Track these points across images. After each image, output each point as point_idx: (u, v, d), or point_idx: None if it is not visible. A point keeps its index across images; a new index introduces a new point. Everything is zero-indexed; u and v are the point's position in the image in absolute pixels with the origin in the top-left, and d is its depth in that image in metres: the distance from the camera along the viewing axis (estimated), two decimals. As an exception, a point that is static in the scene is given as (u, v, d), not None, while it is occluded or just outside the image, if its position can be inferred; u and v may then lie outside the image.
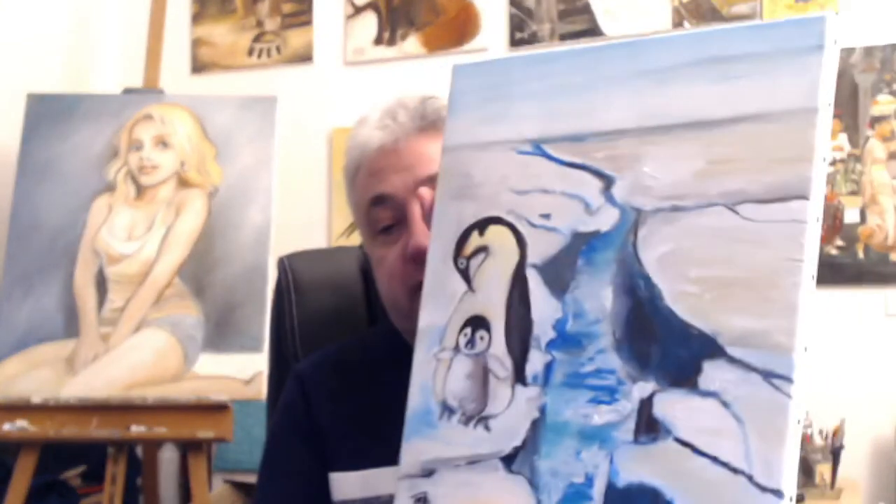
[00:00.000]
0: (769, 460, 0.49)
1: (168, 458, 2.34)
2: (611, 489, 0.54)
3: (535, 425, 0.58)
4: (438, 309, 0.65)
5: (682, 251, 0.54)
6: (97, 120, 1.96)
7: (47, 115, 1.96)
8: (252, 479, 2.22)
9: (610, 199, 0.58)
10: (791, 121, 0.53)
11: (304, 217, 2.46)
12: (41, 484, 1.94)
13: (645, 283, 0.55)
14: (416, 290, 0.80)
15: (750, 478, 0.49)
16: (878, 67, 2.10)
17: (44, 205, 1.89)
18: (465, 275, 0.64)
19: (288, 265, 1.05)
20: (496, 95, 0.66)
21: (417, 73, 2.42)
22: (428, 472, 0.62)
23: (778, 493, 0.48)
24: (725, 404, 0.51)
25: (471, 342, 0.62)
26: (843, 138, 2.13)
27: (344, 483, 0.84)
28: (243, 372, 1.76)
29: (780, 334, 0.50)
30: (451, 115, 0.68)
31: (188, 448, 1.77)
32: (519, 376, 0.59)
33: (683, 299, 0.54)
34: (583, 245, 0.59)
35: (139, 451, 2.14)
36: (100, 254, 1.87)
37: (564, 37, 2.29)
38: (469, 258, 0.64)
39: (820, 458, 1.94)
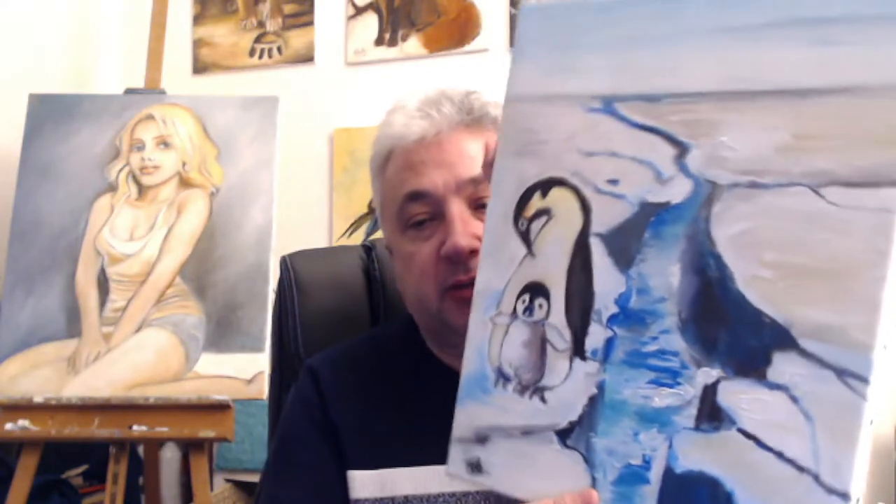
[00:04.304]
0: (838, 461, 0.46)
1: (169, 457, 2.34)
2: (669, 474, 0.52)
3: (593, 401, 0.56)
4: (496, 271, 0.62)
5: (758, 232, 0.50)
6: (99, 120, 1.97)
7: (49, 115, 1.96)
8: (253, 478, 2.23)
9: (683, 169, 0.54)
10: (891, 97, 0.47)
11: (306, 217, 2.46)
12: (43, 483, 1.94)
13: (716, 263, 0.52)
14: (448, 290, 0.79)
15: (816, 477, 0.47)
16: (878, 68, 2.10)
17: (45, 205, 1.90)
18: (526, 237, 0.61)
19: (290, 264, 1.05)
20: (564, 43, 0.61)
21: (418, 74, 2.42)
22: (481, 439, 0.61)
23: (844, 496, 0.46)
24: (795, 399, 0.48)
25: (529, 309, 0.60)
26: (843, 139, 2.13)
27: (360, 482, 0.81)
28: (245, 372, 1.76)
29: (858, 331, 0.47)
30: (516, 62, 0.64)
31: (190, 447, 1.77)
32: (578, 350, 0.57)
33: (756, 284, 0.50)
34: (651, 216, 0.55)
35: (141, 450, 2.14)
36: (101, 254, 1.88)
37: (565, 37, 2.29)
38: (530, 220, 0.61)
39: (820, 457, 1.94)
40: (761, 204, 0.51)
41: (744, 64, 0.53)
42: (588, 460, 0.55)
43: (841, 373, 0.47)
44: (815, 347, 0.48)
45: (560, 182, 0.60)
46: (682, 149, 0.54)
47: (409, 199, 0.81)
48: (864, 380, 0.47)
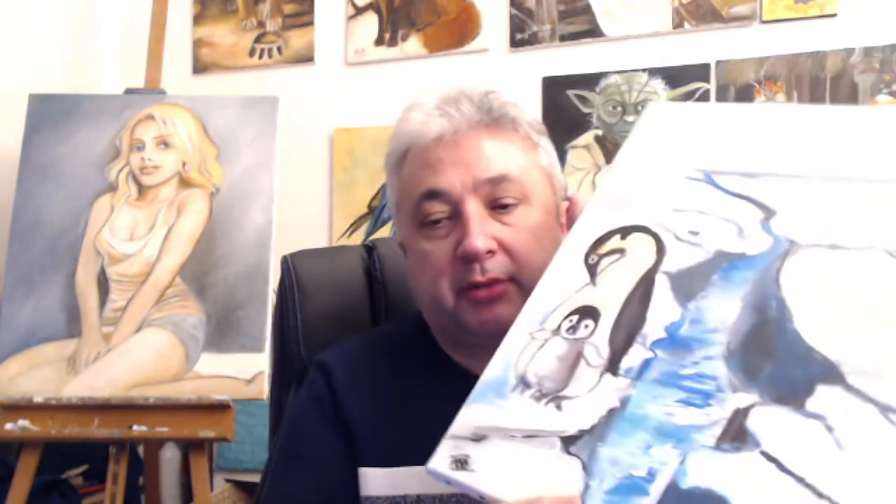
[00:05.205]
0: (866, 494, 0.45)
1: (169, 457, 2.34)
2: (672, 488, 0.50)
3: (611, 413, 0.55)
4: (552, 293, 0.64)
5: (828, 283, 0.53)
6: (99, 120, 1.97)
7: (49, 115, 1.96)
8: (253, 478, 2.22)
9: (766, 229, 0.58)
10: None
11: (306, 217, 2.46)
12: (43, 483, 1.94)
13: (778, 305, 0.54)
14: (463, 290, 0.79)
15: None
16: (877, 68, 2.10)
17: (46, 205, 1.90)
18: (592, 270, 0.63)
19: (291, 264, 1.05)
20: (679, 134, 0.68)
21: (419, 74, 2.42)
22: (478, 437, 0.59)
23: None
24: (830, 429, 0.48)
25: (574, 328, 0.61)
26: (843, 139, 2.13)
27: (371, 479, 0.80)
28: (245, 372, 1.76)
29: None
30: (633, 137, 0.70)
31: (190, 447, 1.77)
32: (611, 366, 0.57)
33: (814, 326, 0.52)
34: (724, 262, 0.58)
35: (141, 450, 2.14)
36: (101, 254, 1.88)
37: (565, 38, 2.29)
38: (602, 256, 0.64)
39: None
40: (836, 261, 0.54)
41: (831, 158, 0.59)
42: (587, 468, 0.54)
43: (885, 409, 0.47)
44: (862, 383, 0.48)
45: (642, 229, 0.63)
46: (768, 213, 0.59)
47: (425, 197, 0.80)
48: None
